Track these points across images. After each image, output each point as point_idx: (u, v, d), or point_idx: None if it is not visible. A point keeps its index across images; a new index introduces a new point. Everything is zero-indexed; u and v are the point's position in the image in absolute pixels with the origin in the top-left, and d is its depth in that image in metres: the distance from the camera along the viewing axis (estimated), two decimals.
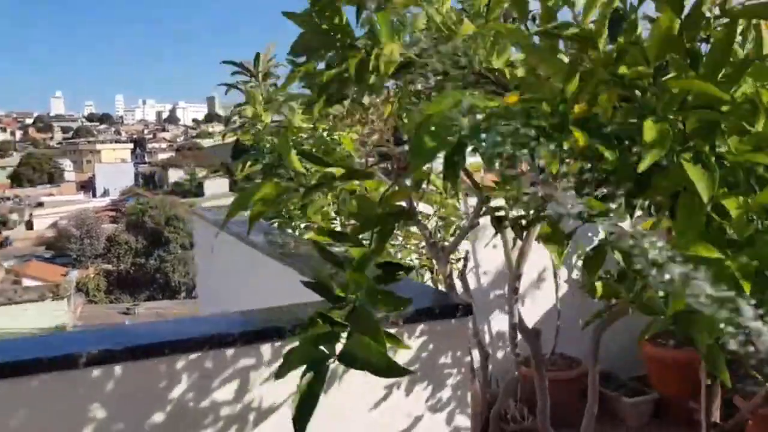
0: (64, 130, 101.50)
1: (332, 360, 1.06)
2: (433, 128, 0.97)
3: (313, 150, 4.21)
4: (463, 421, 2.12)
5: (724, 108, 0.87)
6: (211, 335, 1.82)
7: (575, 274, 5.00)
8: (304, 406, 1.03)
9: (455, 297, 2.13)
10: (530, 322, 3.43)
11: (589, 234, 4.89)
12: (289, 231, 4.01)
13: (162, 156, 74.86)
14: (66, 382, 1.70)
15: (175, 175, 64.35)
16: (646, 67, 0.92)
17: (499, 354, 4.45)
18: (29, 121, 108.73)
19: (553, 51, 1.03)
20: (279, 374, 1.06)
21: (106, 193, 63.08)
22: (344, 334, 1.07)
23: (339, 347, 1.13)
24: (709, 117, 0.89)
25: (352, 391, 1.99)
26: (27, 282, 32.48)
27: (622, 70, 0.93)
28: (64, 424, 1.71)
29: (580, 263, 5.07)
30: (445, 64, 1.05)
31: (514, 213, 1.86)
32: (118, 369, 1.74)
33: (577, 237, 2.90)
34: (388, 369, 1.02)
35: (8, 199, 59.40)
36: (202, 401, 1.84)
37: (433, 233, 2.53)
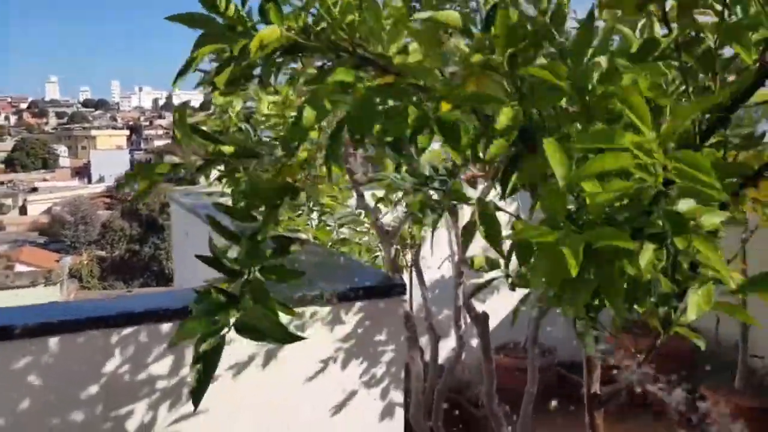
0: (59, 115, 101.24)
1: (227, 330, 1.13)
2: (314, 104, 1.03)
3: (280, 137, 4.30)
4: (397, 396, 2.19)
5: (564, 92, 0.93)
6: (145, 310, 1.89)
7: None
8: (203, 377, 1.09)
9: (392, 278, 2.19)
10: (507, 308, 3.51)
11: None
12: None
13: (159, 143, 74.68)
14: (3, 352, 1.76)
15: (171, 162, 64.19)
16: (496, 56, 0.97)
17: (474, 342, 4.54)
18: (24, 105, 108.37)
19: (434, 37, 1.09)
20: (172, 342, 1.13)
21: (101, 179, 62.97)
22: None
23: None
24: (553, 102, 0.95)
25: (288, 368, 2.06)
26: (19, 267, 32.47)
27: (475, 58, 0.99)
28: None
29: None
30: (329, 48, 1.11)
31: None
32: (53, 341, 1.81)
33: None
34: (281, 337, 1.09)
35: (2, 183, 59.25)
36: (138, 374, 1.91)
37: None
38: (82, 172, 67.54)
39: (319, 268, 2.39)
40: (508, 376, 3.28)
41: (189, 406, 1.96)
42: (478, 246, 2.77)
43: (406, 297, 2.26)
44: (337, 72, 1.02)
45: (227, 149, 1.13)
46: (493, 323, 4.77)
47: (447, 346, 3.52)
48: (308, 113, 0.96)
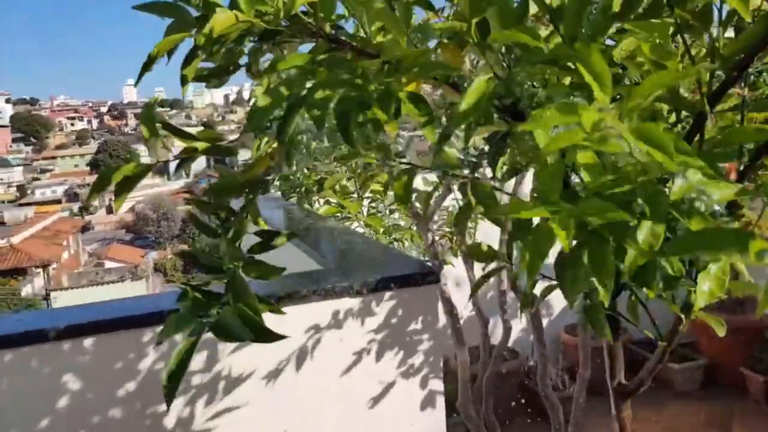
0: (138, 116, 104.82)
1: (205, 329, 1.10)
2: (277, 89, 0.98)
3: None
4: (437, 385, 2.14)
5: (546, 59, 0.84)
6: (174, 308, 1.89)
7: None
8: (173, 376, 1.07)
9: (426, 265, 2.13)
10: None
11: None
12: (307, 206, 4.07)
13: (231, 137, 76.37)
14: (38, 356, 1.81)
15: (244, 156, 65.69)
16: (461, 23, 0.89)
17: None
18: (104, 109, 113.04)
19: (398, 13, 1.01)
20: (159, 340, 1.11)
21: (180, 176, 65.03)
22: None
23: None
24: (533, 72, 0.86)
25: (322, 361, 2.04)
26: (108, 264, 34.07)
27: (439, 25, 0.91)
28: (40, 394, 1.82)
29: None
30: (304, 32, 1.06)
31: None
32: (87, 342, 1.84)
33: None
34: (259, 335, 1.05)
35: (88, 185, 62.06)
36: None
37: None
38: (162, 170, 69.98)
39: (352, 258, 2.35)
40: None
41: (226, 402, 1.97)
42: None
43: (444, 283, 2.19)
44: (291, 58, 0.97)
45: (200, 145, 1.10)
46: (559, 306, 4.66)
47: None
48: (262, 101, 0.91)
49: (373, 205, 4.20)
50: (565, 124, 0.69)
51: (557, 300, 4.53)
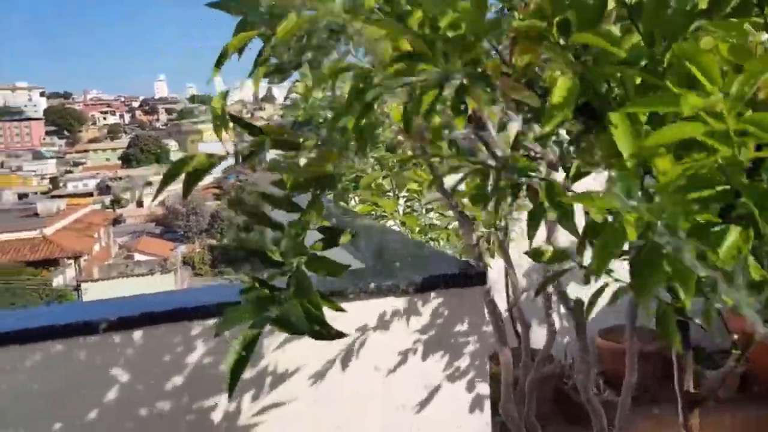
0: (169, 111, 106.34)
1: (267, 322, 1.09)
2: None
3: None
4: (483, 389, 2.11)
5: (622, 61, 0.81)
6: (221, 302, 1.89)
7: None
8: (238, 364, 1.07)
9: (473, 266, 2.11)
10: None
11: None
12: (343, 204, 4.08)
13: None
14: (87, 348, 1.82)
15: (273, 152, 66.08)
16: (540, 22, 0.87)
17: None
18: (136, 104, 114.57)
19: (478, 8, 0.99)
20: (219, 332, 1.11)
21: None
22: None
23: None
24: (610, 71, 0.84)
25: (368, 361, 2.02)
26: (138, 257, 34.53)
27: (518, 24, 0.89)
28: (88, 386, 1.84)
29: None
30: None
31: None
32: (137, 334, 1.85)
33: None
34: (321, 332, 1.04)
35: (120, 179, 63.00)
36: (220, 365, 1.93)
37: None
38: None
39: (396, 257, 2.34)
40: (616, 361, 3.12)
41: (272, 397, 1.97)
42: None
43: (489, 285, 2.16)
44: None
45: (267, 138, 1.09)
46: (595, 309, 4.59)
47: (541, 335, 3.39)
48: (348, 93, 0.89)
49: (409, 203, 4.18)
50: (665, 111, 0.66)
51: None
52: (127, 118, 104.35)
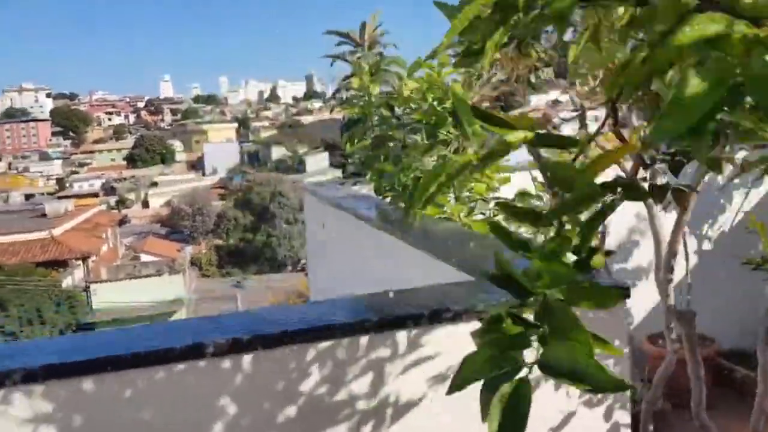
0: (173, 112, 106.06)
1: (527, 370, 0.85)
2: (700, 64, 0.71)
3: (423, 121, 4.02)
4: (622, 416, 1.87)
5: None
6: (344, 322, 1.66)
7: (707, 245, 4.58)
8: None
9: (608, 278, 1.87)
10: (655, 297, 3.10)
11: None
12: (401, 205, 3.83)
13: (265, 134, 76.75)
14: (193, 373, 1.59)
15: (277, 153, 65.88)
16: None
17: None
18: (140, 104, 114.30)
19: None
20: (454, 387, 0.86)
21: (214, 171, 65.40)
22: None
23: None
24: None
25: None
26: (145, 258, 34.30)
27: None
28: (191, 416, 1.60)
29: (711, 233, 4.64)
30: None
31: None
32: (247, 359, 1.61)
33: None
34: (605, 382, 0.79)
35: (125, 179, 62.82)
36: (337, 394, 1.69)
37: None
38: (197, 165, 70.45)
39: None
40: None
41: (392, 430, 1.73)
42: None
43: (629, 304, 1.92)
44: (696, 20, 0.71)
45: (523, 136, 0.84)
46: (641, 313, 4.34)
47: None
48: (696, 84, 0.64)
49: (472, 205, 3.94)
50: None
51: (637, 308, 4.22)
52: (132, 118, 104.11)
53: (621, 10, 0.86)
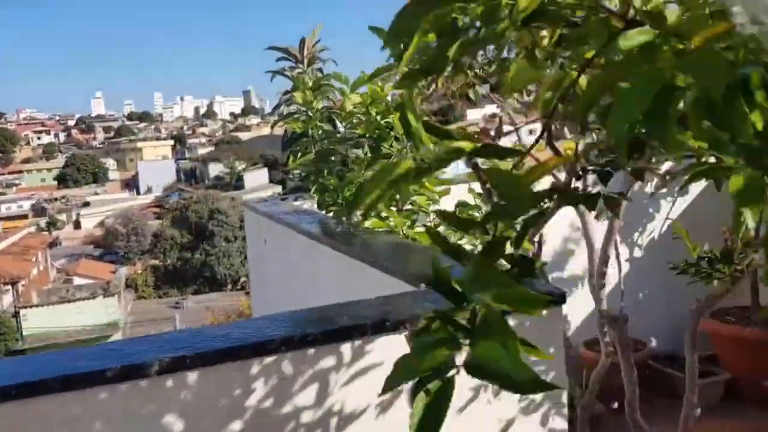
0: (106, 130, 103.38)
1: (455, 370, 0.89)
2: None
3: (366, 135, 4.07)
4: (559, 422, 1.94)
5: None
6: (289, 336, 1.67)
7: (638, 252, 4.76)
8: (429, 428, 0.86)
9: (546, 285, 1.94)
10: (592, 304, 3.22)
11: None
12: (345, 219, 3.86)
13: (202, 151, 75.58)
14: (137, 393, 1.57)
15: (215, 169, 64.91)
16: None
17: None
18: (71, 123, 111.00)
19: None
20: (386, 387, 0.89)
21: (149, 190, 63.97)
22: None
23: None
24: None
25: None
26: (78, 280, 33.22)
27: None
28: None
29: (642, 240, 4.83)
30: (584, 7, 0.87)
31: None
32: (191, 377, 1.61)
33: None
34: (530, 383, 0.84)
35: (56, 200, 60.76)
36: (282, 407, 1.70)
37: None
38: (131, 184, 68.78)
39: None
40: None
41: None
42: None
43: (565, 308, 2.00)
44: (628, 36, 0.77)
45: (466, 145, 0.88)
46: (577, 320, 4.48)
47: None
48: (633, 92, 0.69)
49: (415, 218, 3.99)
50: None
51: (574, 315, 4.36)
52: (62, 137, 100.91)
53: (545, 32, 0.92)
